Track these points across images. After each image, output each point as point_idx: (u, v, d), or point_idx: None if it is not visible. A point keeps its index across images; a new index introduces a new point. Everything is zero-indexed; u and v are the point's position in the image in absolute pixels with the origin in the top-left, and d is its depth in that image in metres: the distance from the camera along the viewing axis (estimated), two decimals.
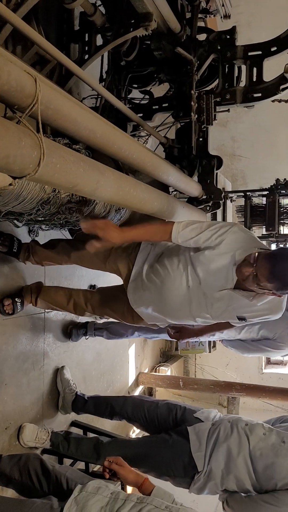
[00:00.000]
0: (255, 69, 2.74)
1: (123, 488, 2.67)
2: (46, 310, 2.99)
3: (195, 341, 3.30)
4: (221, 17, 3.21)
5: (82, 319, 3.37)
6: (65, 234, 2.74)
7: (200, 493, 2.45)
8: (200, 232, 2.00)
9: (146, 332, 3.25)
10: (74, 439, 2.75)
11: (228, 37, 2.77)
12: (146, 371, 4.77)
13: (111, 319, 3.36)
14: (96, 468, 3.02)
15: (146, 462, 2.51)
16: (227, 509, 2.37)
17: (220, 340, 3.23)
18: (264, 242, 4.41)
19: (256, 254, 1.88)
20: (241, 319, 2.14)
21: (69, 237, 2.73)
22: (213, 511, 3.47)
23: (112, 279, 2.65)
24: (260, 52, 2.73)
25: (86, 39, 2.77)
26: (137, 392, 4.56)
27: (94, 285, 3.54)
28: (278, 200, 3.74)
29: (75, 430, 3.14)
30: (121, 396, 3.10)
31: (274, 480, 2.24)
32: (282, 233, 3.83)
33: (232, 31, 2.76)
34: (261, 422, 2.48)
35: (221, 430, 2.46)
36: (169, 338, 3.15)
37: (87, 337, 3.32)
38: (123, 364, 4.22)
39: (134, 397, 3.36)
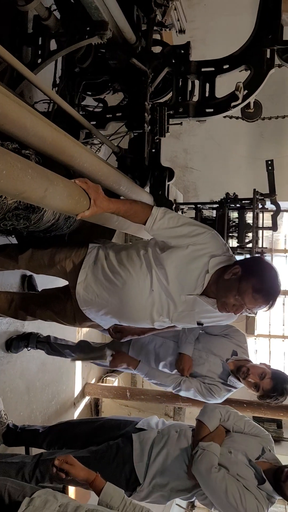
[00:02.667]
0: (207, 85, 2.79)
1: (65, 489, 2.62)
2: None
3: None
4: (177, 32, 3.27)
5: (27, 329, 3.27)
6: (11, 241, 2.66)
7: (143, 501, 2.46)
8: (177, 225, 1.95)
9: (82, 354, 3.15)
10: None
11: (182, 51, 2.81)
12: (93, 381, 4.70)
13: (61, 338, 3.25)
14: None
15: None
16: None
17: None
18: None
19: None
20: (199, 324, 2.13)
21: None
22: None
23: (60, 284, 2.59)
24: (213, 69, 2.79)
25: (40, 43, 2.72)
26: (82, 403, 4.49)
27: (31, 275, 3.32)
28: (227, 213, 3.81)
29: None
30: (58, 424, 2.96)
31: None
32: (230, 245, 3.90)
33: (187, 46, 2.81)
34: None
35: (168, 442, 2.46)
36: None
37: (29, 349, 3.21)
38: (69, 374, 4.14)
39: (71, 421, 3.23)
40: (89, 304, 2.18)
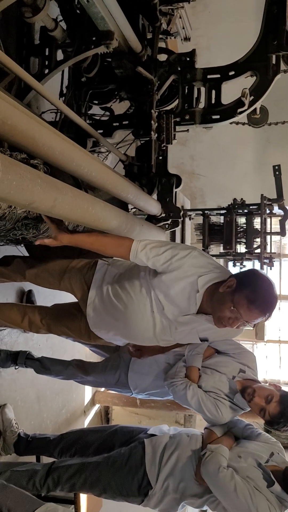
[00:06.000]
0: (213, 92, 2.79)
1: (76, 498, 2.59)
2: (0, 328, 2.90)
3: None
4: (182, 39, 3.28)
5: (18, 346, 3.17)
6: (21, 251, 2.67)
7: (156, 508, 2.44)
8: (159, 253, 1.95)
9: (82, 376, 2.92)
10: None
11: (188, 59, 2.82)
12: (102, 389, 4.69)
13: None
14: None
15: (99, 485, 2.45)
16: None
17: None
18: (221, 260, 4.43)
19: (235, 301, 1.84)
20: (204, 340, 2.14)
21: (25, 253, 2.66)
22: None
23: (69, 298, 2.59)
24: (218, 76, 2.79)
25: (47, 53, 2.74)
26: (93, 411, 4.48)
27: (30, 290, 3.26)
28: (235, 219, 3.82)
29: None
30: (69, 432, 2.90)
31: None
32: (238, 251, 3.90)
33: (192, 53, 2.82)
34: None
35: (180, 445, 2.45)
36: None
37: (17, 366, 2.99)
38: None
39: (82, 429, 3.15)
40: (98, 326, 2.22)
